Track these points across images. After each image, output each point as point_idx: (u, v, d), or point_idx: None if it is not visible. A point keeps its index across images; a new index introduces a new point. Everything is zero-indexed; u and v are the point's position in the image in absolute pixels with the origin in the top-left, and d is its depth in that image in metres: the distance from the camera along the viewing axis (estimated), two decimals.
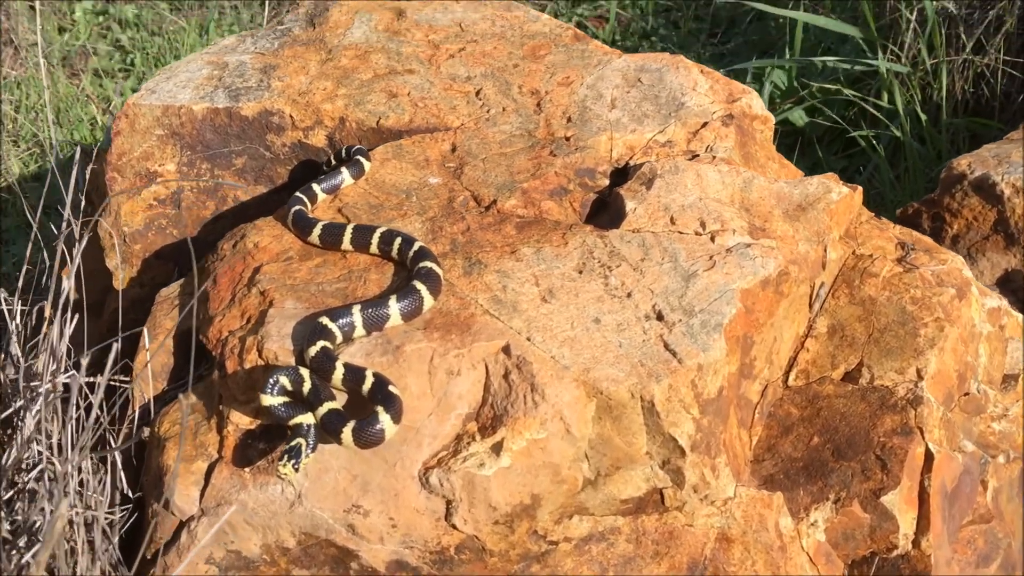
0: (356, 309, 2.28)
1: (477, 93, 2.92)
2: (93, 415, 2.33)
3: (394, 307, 2.29)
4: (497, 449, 2.21)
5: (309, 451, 2.19)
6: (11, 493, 2.41)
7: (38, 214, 3.03)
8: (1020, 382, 2.68)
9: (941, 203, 3.34)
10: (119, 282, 3.07)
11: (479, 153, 2.73)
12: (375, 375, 2.20)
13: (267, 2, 5.44)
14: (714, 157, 2.65)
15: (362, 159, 2.69)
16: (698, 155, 2.67)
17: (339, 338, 2.27)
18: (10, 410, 2.46)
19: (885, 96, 4.51)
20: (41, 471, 2.39)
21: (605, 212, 2.61)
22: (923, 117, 4.37)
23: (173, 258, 3.05)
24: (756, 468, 2.41)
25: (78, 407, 2.50)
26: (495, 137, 2.77)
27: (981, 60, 4.42)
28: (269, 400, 2.20)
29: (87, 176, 2.80)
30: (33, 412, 2.43)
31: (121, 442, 2.50)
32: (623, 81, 2.88)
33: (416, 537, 2.25)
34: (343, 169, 2.67)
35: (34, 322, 2.81)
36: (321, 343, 2.23)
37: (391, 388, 2.18)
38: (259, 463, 2.29)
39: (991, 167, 3.31)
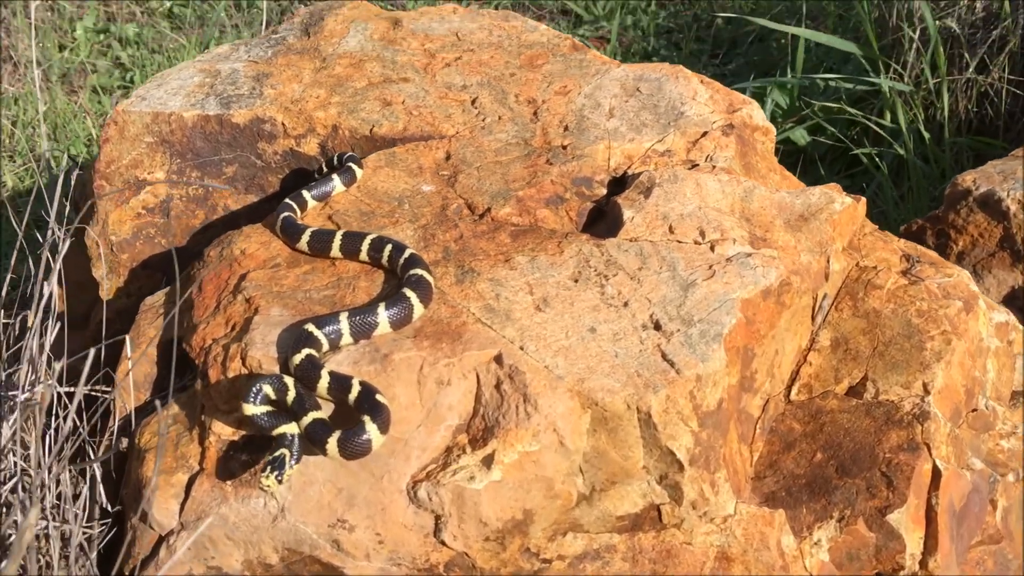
0: (343, 316, 2.21)
1: (473, 102, 2.86)
2: (68, 425, 2.26)
3: (383, 315, 2.22)
4: (488, 462, 2.13)
5: (293, 462, 2.11)
6: None
7: (24, 223, 2.98)
8: None
9: (946, 219, 3.28)
10: (105, 292, 3.00)
11: (474, 161, 2.66)
12: (362, 384, 2.12)
13: (266, 23, 5.42)
14: (714, 167, 2.59)
15: (354, 166, 2.63)
16: (697, 164, 2.61)
17: (325, 346, 2.20)
18: None
19: (888, 115, 4.46)
20: (16, 483, 2.31)
21: (602, 221, 2.54)
22: (926, 135, 4.32)
23: (161, 268, 2.98)
24: (757, 485, 2.33)
25: (57, 417, 2.43)
26: (490, 145, 2.71)
27: (984, 79, 4.38)
28: (252, 409, 2.13)
29: (72, 182, 2.74)
30: (10, 422, 2.35)
31: (101, 454, 2.42)
32: (621, 90, 2.82)
33: (404, 554, 2.16)
34: (334, 176, 2.61)
35: (17, 332, 2.74)
36: (306, 351, 2.15)
37: (378, 397, 2.10)
38: (241, 475, 2.21)
39: (997, 183, 3.25)
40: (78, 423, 2.49)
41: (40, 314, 2.45)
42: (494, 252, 2.41)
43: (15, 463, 2.34)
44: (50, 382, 2.36)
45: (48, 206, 2.62)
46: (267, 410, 2.14)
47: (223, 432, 2.24)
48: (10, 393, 2.44)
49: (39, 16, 6.34)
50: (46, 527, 2.31)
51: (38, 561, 2.34)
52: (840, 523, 2.24)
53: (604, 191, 2.60)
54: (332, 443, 2.09)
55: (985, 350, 2.54)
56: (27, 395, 2.39)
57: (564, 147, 2.68)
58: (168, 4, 6.43)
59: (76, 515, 2.42)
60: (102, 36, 6.35)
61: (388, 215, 2.53)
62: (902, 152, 4.29)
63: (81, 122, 5.44)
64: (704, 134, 2.68)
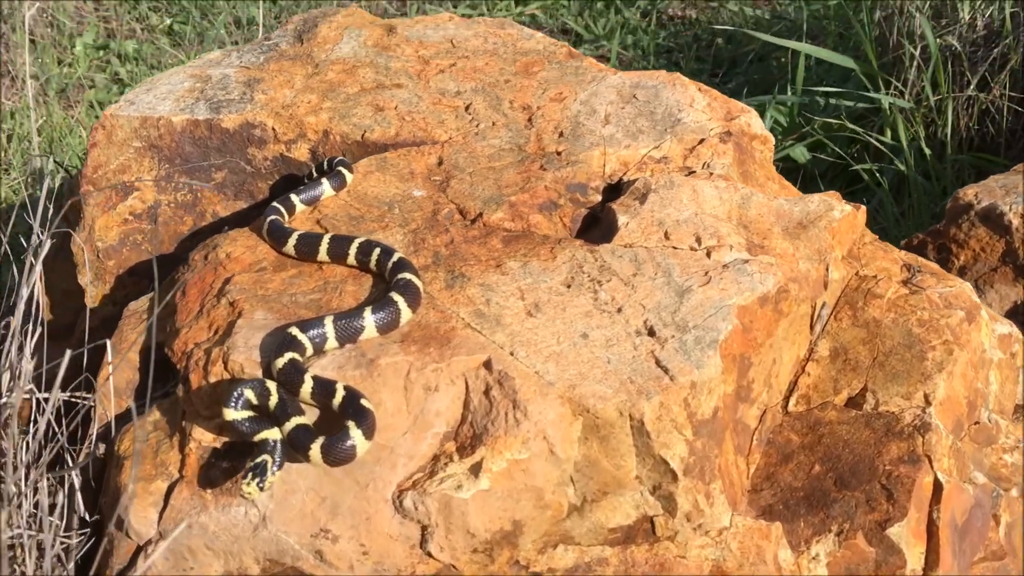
0: (328, 320, 2.15)
1: (467, 108, 2.82)
2: (42, 431, 2.20)
3: (369, 319, 2.16)
4: (476, 470, 2.06)
5: (275, 469, 2.05)
6: None
7: (8, 232, 2.93)
8: None
9: (947, 234, 3.22)
10: (90, 299, 2.95)
11: (466, 167, 2.62)
12: (346, 388, 2.06)
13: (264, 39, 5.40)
14: (711, 174, 2.54)
15: (344, 170, 2.58)
16: (694, 171, 2.56)
17: (309, 350, 2.14)
18: None
19: (888, 133, 4.42)
20: None
21: (597, 228, 2.49)
22: (927, 151, 4.28)
23: (148, 275, 2.92)
24: (754, 498, 2.26)
25: (35, 423, 2.37)
26: (484, 151, 2.66)
27: (986, 97, 4.34)
28: (232, 414, 2.07)
29: (56, 187, 2.69)
30: None
31: (79, 461, 2.35)
32: (618, 97, 2.78)
33: (389, 565, 2.10)
34: (323, 180, 2.56)
35: None
36: (290, 355, 2.10)
37: (363, 402, 2.04)
38: (223, 483, 2.15)
39: (998, 197, 3.20)
40: (56, 429, 2.43)
41: (20, 318, 2.39)
42: (485, 257, 2.36)
43: None
44: (28, 386, 2.31)
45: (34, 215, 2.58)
46: (249, 415, 2.08)
47: (204, 438, 2.18)
48: None
49: (39, 32, 6.34)
50: (22, 536, 2.24)
51: (13, 571, 2.28)
52: (839, 537, 2.17)
53: (599, 198, 2.55)
54: (315, 449, 2.02)
55: (988, 362, 2.48)
56: (3, 400, 2.34)
57: (559, 153, 2.63)
58: (168, 21, 6.42)
59: (53, 524, 2.36)
60: (101, 52, 6.34)
61: (378, 220, 2.48)
62: (903, 168, 4.25)
63: (77, 136, 5.42)
64: (701, 141, 2.63)
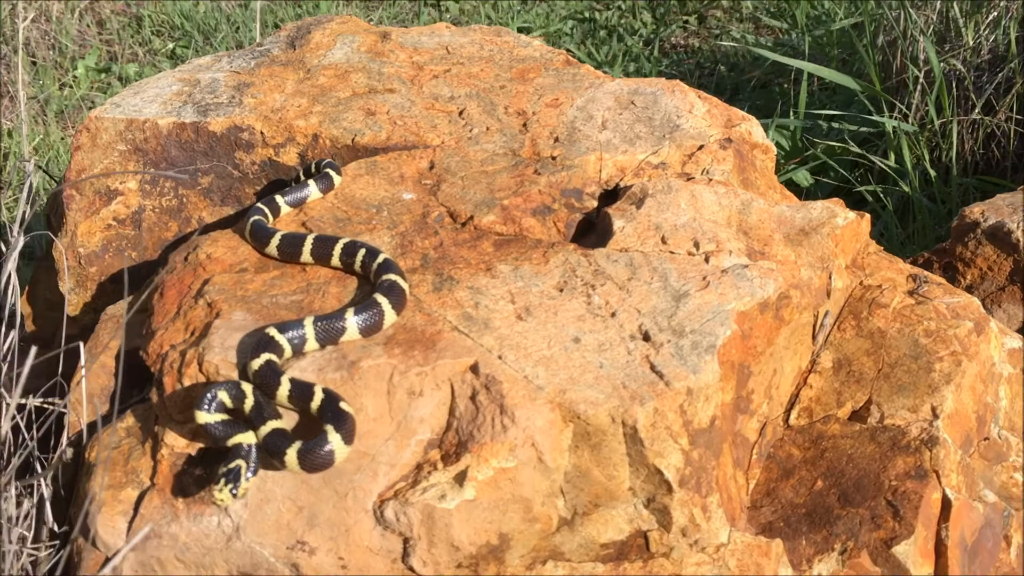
0: (308, 321, 2.06)
1: (460, 113, 2.75)
2: (5, 434, 2.10)
3: (351, 320, 2.07)
4: (460, 479, 1.96)
5: (249, 474, 1.95)
6: None
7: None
8: None
9: (953, 252, 3.13)
10: (71, 307, 2.86)
11: (458, 171, 2.54)
12: (325, 391, 1.97)
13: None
14: (710, 180, 2.46)
15: (332, 172, 2.50)
16: (693, 178, 2.48)
17: (288, 351, 2.05)
18: None
19: (892, 156, 4.35)
20: None
21: (592, 233, 2.41)
22: (932, 173, 4.20)
23: (131, 282, 2.84)
24: (753, 514, 2.15)
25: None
26: (476, 155, 2.59)
27: (991, 120, 4.28)
28: (205, 417, 1.97)
29: (32, 185, 2.61)
30: None
31: (48, 468, 2.25)
32: (615, 103, 2.71)
33: None
34: (310, 182, 2.48)
35: None
36: (266, 356, 2.00)
37: (343, 405, 1.95)
38: (195, 492, 2.05)
39: (1006, 215, 3.11)
40: (26, 435, 2.33)
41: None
42: (475, 261, 2.27)
43: None
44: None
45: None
46: (222, 419, 1.98)
47: (176, 444, 2.08)
48: None
49: (40, 54, 6.32)
50: None
51: None
52: (842, 556, 2.06)
53: (595, 203, 2.47)
54: (291, 454, 1.93)
55: (997, 376, 2.38)
56: None
57: (553, 158, 2.55)
58: (171, 45, 6.40)
59: (19, 534, 2.25)
60: (103, 75, 6.32)
61: (365, 222, 2.40)
62: (908, 190, 4.17)
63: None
64: (700, 147, 2.55)
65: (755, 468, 2.20)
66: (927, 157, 4.29)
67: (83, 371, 2.27)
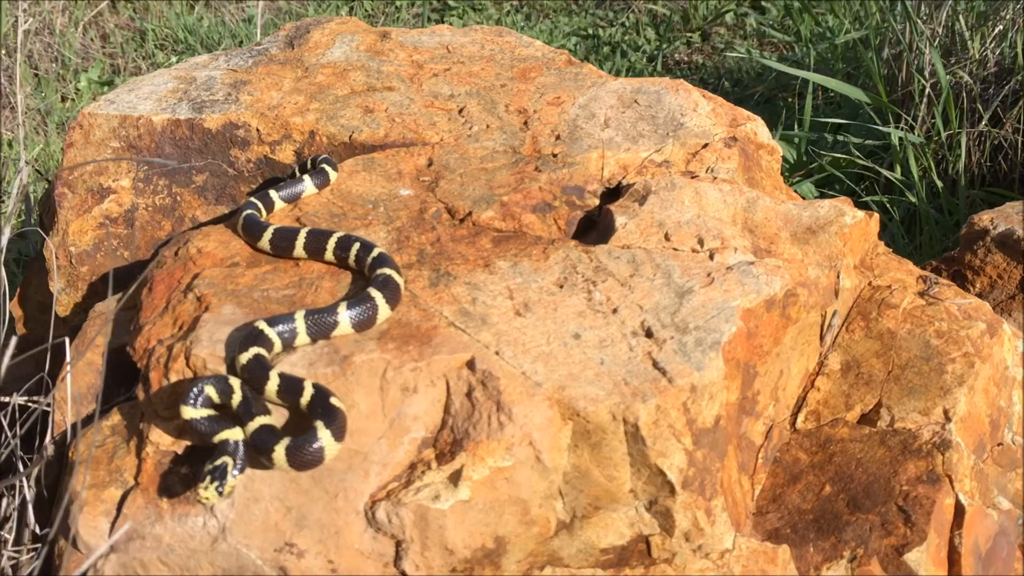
0: (299, 315, 1.99)
1: (460, 111, 2.69)
2: None
3: (344, 315, 2.00)
4: (455, 478, 1.89)
5: (236, 472, 1.87)
6: None
7: None
8: None
9: (962, 260, 3.06)
10: (61, 307, 2.80)
11: (457, 168, 2.48)
12: (315, 386, 1.90)
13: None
14: (715, 178, 2.40)
15: (328, 168, 2.44)
16: (697, 176, 2.42)
17: (278, 346, 1.98)
18: None
19: (898, 169, 4.30)
20: None
21: (593, 231, 2.35)
22: (939, 184, 4.15)
23: (123, 282, 2.78)
24: (759, 521, 2.08)
25: None
26: (476, 153, 2.53)
27: (999, 132, 4.23)
28: (191, 412, 1.90)
29: (24, 179, 2.55)
30: None
31: (30, 467, 2.18)
32: (618, 101, 2.65)
33: None
34: (305, 177, 2.43)
35: None
36: (255, 350, 1.93)
37: (333, 401, 1.88)
38: (181, 491, 1.98)
39: (1016, 222, 3.05)
40: (8, 434, 2.26)
41: None
42: (473, 257, 2.21)
43: None
44: None
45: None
46: (209, 414, 1.91)
47: (162, 441, 2.01)
48: None
49: (43, 67, 6.30)
50: None
51: None
52: (852, 563, 1.98)
53: (596, 201, 2.41)
54: (279, 451, 1.85)
55: (1011, 380, 2.31)
56: None
57: (554, 155, 2.50)
58: (175, 60, 6.38)
59: (2, 538, 2.18)
60: (106, 88, 6.29)
61: (360, 217, 2.34)
62: (914, 201, 4.11)
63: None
64: (705, 146, 2.50)
65: (760, 473, 2.13)
66: (934, 169, 4.24)
67: (68, 368, 2.21)
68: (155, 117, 2.71)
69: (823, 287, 2.22)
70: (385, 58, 2.91)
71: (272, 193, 2.38)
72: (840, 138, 4.66)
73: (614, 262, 2.16)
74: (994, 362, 2.25)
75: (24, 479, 2.18)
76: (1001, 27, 4.49)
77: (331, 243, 2.16)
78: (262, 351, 1.94)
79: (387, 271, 2.07)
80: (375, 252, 2.12)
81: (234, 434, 1.89)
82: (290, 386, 1.90)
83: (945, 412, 2.13)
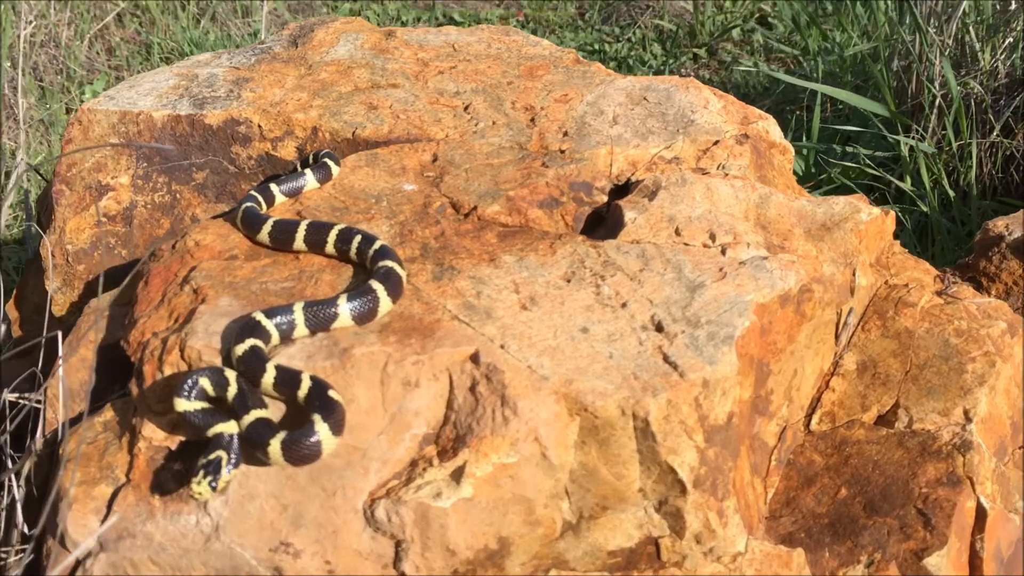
0: (298, 306, 1.93)
1: (466, 107, 2.64)
2: None
3: (344, 307, 1.94)
4: (457, 476, 1.82)
5: (231, 467, 1.81)
6: None
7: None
8: None
9: (977, 267, 3.00)
10: (58, 306, 2.74)
11: (463, 163, 2.43)
12: (313, 379, 1.83)
13: None
14: (726, 175, 2.34)
15: (330, 162, 2.39)
16: (708, 172, 2.36)
17: (275, 338, 1.92)
18: None
19: (908, 180, 4.24)
20: None
21: (601, 227, 2.29)
22: (951, 194, 4.09)
23: (120, 281, 2.72)
24: (772, 525, 2.00)
25: None
26: (481, 149, 2.48)
27: (1010, 143, 4.17)
28: (185, 405, 1.83)
29: (19, 174, 2.51)
30: None
31: (18, 463, 2.12)
32: (627, 99, 2.60)
33: None
34: (307, 171, 2.37)
35: None
36: (251, 341, 1.87)
37: (331, 393, 1.81)
38: (172, 487, 1.91)
39: None
40: None
41: None
42: (478, 251, 2.15)
43: None
44: None
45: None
46: (203, 407, 1.85)
47: (155, 437, 1.94)
48: None
49: (48, 79, 6.28)
50: None
51: None
52: (869, 568, 1.90)
53: (604, 198, 2.35)
54: (275, 445, 1.79)
55: None
56: None
57: (562, 151, 2.44)
58: None
59: None
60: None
61: (363, 211, 2.28)
62: (926, 209, 4.05)
63: None
64: (716, 143, 2.44)
65: (773, 476, 2.06)
66: (945, 179, 4.18)
67: (60, 363, 2.14)
68: (155, 113, 2.67)
69: (838, 284, 2.15)
70: (390, 56, 2.87)
71: (273, 187, 2.32)
72: (849, 149, 4.61)
73: (623, 257, 2.10)
74: (1015, 362, 2.18)
75: (13, 477, 2.12)
76: (1011, 39, 4.44)
77: (332, 235, 2.10)
78: (259, 343, 1.88)
79: (389, 263, 2.01)
80: (377, 244, 2.06)
81: (229, 427, 1.83)
82: (287, 379, 1.84)
83: (965, 412, 2.06)
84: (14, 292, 3.02)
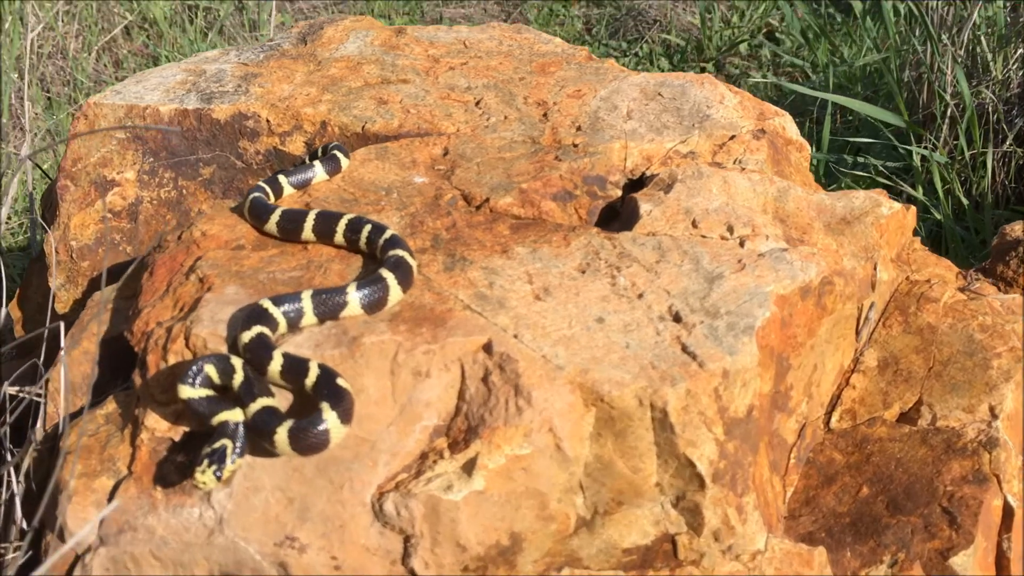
0: (306, 294, 1.89)
1: (477, 103, 2.61)
2: None
3: (353, 295, 1.89)
4: (469, 468, 1.76)
5: (235, 456, 1.75)
6: None
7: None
8: None
9: (994, 271, 2.94)
10: (61, 303, 2.70)
11: (474, 157, 2.39)
12: (321, 367, 1.78)
13: None
14: (743, 169, 2.30)
15: (339, 155, 2.35)
16: (724, 167, 2.32)
17: (283, 326, 1.87)
18: None
19: (920, 189, 4.20)
20: None
21: (616, 220, 2.24)
22: (965, 202, 4.04)
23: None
24: (791, 525, 1.94)
25: None
26: (494, 143, 2.44)
27: (1023, 152, 4.13)
28: (189, 392, 1.78)
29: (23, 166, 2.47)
30: None
31: (16, 456, 2.06)
32: (641, 95, 2.56)
33: None
34: (316, 163, 2.33)
35: None
36: (258, 328, 1.82)
37: (340, 382, 1.76)
38: (175, 480, 1.85)
39: None
40: None
41: None
42: (490, 242, 2.10)
43: None
44: None
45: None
46: (208, 394, 1.80)
47: (158, 427, 1.89)
48: None
49: (55, 90, 6.27)
50: None
51: None
52: (892, 568, 1.84)
53: (618, 192, 2.30)
54: (282, 433, 1.74)
55: None
56: None
57: (575, 145, 2.40)
58: None
59: None
60: None
61: (373, 203, 2.23)
62: (940, 217, 4.01)
63: None
64: (732, 137, 2.40)
65: (792, 474, 2.00)
66: (959, 188, 4.14)
67: (62, 355, 2.10)
68: (162, 107, 2.63)
69: (859, 279, 2.10)
70: (400, 52, 2.84)
71: (281, 178, 2.28)
72: (860, 159, 4.57)
73: (639, 248, 2.06)
74: None
75: (12, 471, 2.07)
76: (1023, 50, 4.41)
77: (341, 225, 2.06)
78: (266, 330, 1.83)
79: (400, 252, 1.97)
80: (387, 234, 2.01)
81: (234, 416, 1.77)
82: (294, 366, 1.79)
83: (991, 409, 2.00)
84: (16, 292, 2.97)
